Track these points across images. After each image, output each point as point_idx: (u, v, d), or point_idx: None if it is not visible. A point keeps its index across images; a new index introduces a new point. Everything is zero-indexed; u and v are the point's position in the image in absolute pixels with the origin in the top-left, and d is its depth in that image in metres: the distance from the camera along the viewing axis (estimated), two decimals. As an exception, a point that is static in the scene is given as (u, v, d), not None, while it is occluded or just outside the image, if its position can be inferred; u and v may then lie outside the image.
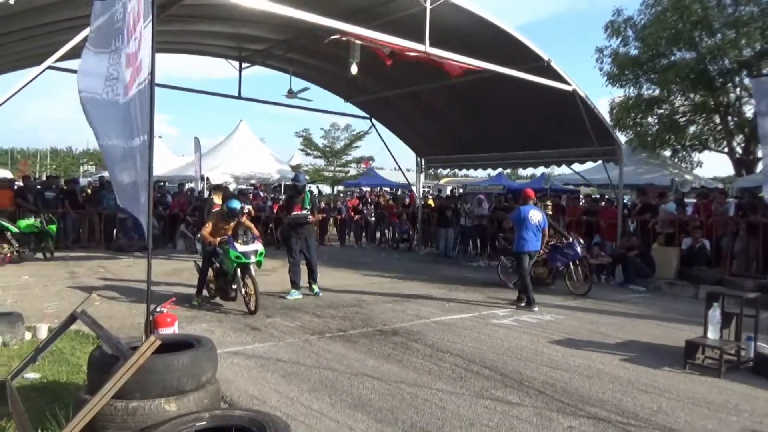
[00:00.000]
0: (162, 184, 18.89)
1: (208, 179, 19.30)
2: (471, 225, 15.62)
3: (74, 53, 7.88)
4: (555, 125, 13.05)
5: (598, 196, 19.64)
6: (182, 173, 22.31)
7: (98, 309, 7.09)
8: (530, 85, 10.73)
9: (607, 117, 16.73)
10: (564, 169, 18.13)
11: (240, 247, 7.62)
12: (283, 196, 20.32)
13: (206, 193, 16.37)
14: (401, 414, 4.21)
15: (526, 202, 8.88)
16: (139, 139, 4.26)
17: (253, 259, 7.63)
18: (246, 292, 7.66)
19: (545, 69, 11.07)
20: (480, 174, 23.37)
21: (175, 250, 14.34)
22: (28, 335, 5.80)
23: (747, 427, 4.17)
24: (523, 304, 8.58)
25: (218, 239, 7.95)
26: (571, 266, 9.82)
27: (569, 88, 11.41)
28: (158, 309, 5.26)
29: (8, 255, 11.29)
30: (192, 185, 18.74)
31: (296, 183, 9.42)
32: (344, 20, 8.38)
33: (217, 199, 14.14)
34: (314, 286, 9.12)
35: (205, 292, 8.30)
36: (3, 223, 11.38)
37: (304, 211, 9.00)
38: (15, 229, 11.52)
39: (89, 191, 16.95)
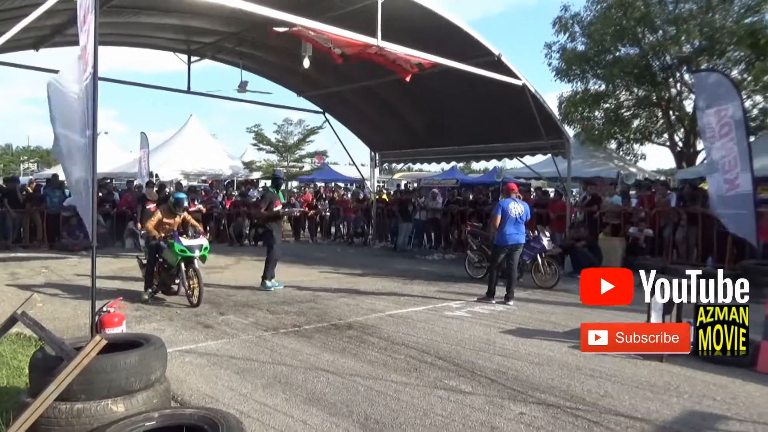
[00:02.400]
0: (109, 181, 18.25)
1: (157, 176, 18.79)
2: (425, 219, 15.77)
3: (11, 46, 7.56)
4: (506, 119, 13.30)
5: (548, 189, 20.12)
6: (130, 170, 21.62)
7: (41, 310, 6.82)
8: (482, 79, 10.88)
9: (556, 111, 17.14)
10: (515, 163, 18.51)
11: (185, 241, 7.72)
12: (237, 192, 20.04)
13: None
14: (356, 407, 4.22)
15: (508, 195, 8.71)
16: (87, 133, 4.15)
17: (197, 253, 7.73)
18: (189, 285, 7.75)
19: (496, 64, 11.24)
20: (434, 168, 23.57)
21: (123, 249, 13.92)
22: (-36, 340, 5.52)
23: (687, 408, 4.37)
24: (494, 301, 8.43)
25: (163, 234, 8.00)
26: (539, 259, 9.89)
27: (519, 83, 11.63)
28: (104, 309, 5.10)
29: (-58, 257, 10.72)
30: (139, 182, 18.21)
31: (279, 179, 10.02)
32: (295, 12, 8.27)
33: (151, 196, 13.83)
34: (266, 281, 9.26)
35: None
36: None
37: (296, 208, 9.53)
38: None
39: (30, 189, 16.24)
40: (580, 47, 20.64)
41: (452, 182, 24.65)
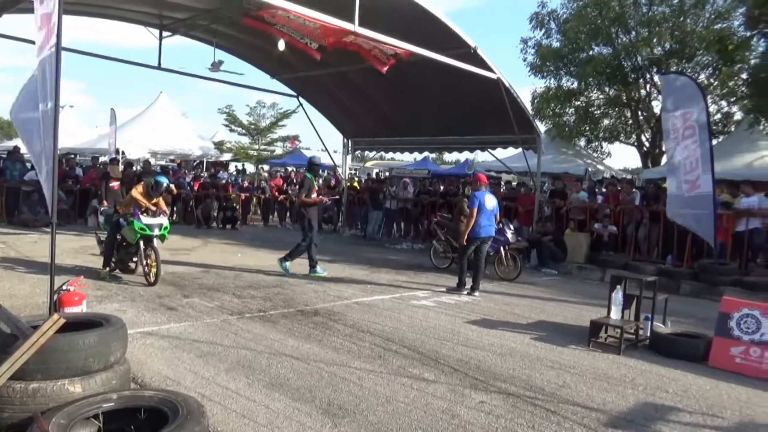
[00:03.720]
0: (72, 156, 17.75)
1: (123, 153, 18.37)
2: (396, 208, 15.81)
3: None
4: (479, 112, 13.38)
5: (516, 182, 20.37)
6: (96, 146, 21.12)
7: (-3, 287, 6.64)
8: (457, 71, 10.90)
9: (529, 106, 17.32)
10: (487, 156, 18.67)
11: (145, 219, 7.67)
12: (206, 173, 19.72)
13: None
14: (319, 392, 4.23)
15: (479, 188, 8.67)
16: (45, 105, 4.02)
17: (156, 231, 7.71)
18: (147, 263, 7.71)
19: (472, 56, 11.28)
20: (406, 158, 23.62)
21: (86, 227, 13.59)
22: None
23: (641, 399, 4.51)
24: (465, 291, 8.47)
25: (122, 210, 7.98)
26: (501, 251, 10.03)
27: (494, 77, 11.70)
28: (64, 287, 4.98)
29: None
30: (105, 159, 17.78)
31: (318, 165, 9.96)
32: (271, -7, 8.13)
33: (114, 173, 13.51)
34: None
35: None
36: None
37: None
38: None
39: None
40: (555, 44, 20.89)
41: (424, 172, 24.76)
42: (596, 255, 11.57)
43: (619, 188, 13.00)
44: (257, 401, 4.03)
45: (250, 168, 30.77)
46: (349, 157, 18.04)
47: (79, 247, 10.50)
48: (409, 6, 10.23)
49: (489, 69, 11.61)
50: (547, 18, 20.85)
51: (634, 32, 19.35)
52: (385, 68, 10.11)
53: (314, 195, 9.39)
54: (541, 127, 18.26)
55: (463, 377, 4.77)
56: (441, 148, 17.11)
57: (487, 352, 5.53)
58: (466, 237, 8.50)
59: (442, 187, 16.66)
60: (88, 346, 3.24)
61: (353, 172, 23.73)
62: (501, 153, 15.46)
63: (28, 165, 14.81)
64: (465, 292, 8.48)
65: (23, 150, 17.84)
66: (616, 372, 5.17)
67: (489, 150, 15.54)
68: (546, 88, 21.31)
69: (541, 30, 20.98)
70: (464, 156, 22.58)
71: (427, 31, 10.80)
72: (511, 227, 10.59)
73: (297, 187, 9.75)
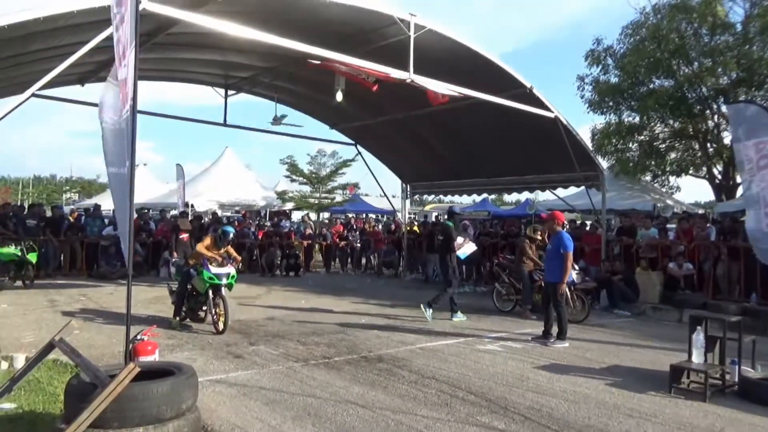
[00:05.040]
0: (146, 211, 18.72)
1: (192, 206, 19.19)
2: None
3: (58, 81, 7.91)
4: (538, 151, 13.24)
5: (581, 221, 19.82)
6: (166, 200, 22.18)
7: (78, 337, 6.96)
8: (514, 111, 10.89)
9: (588, 143, 16.98)
10: (548, 195, 18.32)
11: (213, 269, 7.94)
12: (268, 223, 20.27)
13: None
14: (386, 442, 4.15)
15: (556, 228, 8.17)
16: (126, 165, 4.27)
17: (224, 281, 7.97)
18: (216, 312, 7.94)
19: (528, 96, 11.26)
20: (465, 200, 23.55)
21: (158, 278, 14.16)
22: (4, 365, 5.66)
23: (732, 451, 4.16)
24: (552, 339, 7.83)
25: (192, 262, 8.31)
26: (567, 293, 9.68)
27: (551, 115, 11.60)
28: (139, 336, 5.17)
29: (-14, 283, 11.08)
30: (175, 212, 18.62)
31: (456, 214, 10.65)
32: (330, 48, 8.47)
33: (183, 225, 14.08)
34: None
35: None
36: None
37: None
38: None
39: (71, 219, 16.76)
40: (614, 79, 20.53)
41: (484, 214, 24.52)
42: (671, 294, 10.97)
43: (692, 223, 12.39)
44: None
45: (311, 216, 31.47)
46: (407, 202, 18.14)
47: (152, 298, 10.93)
48: (463, 51, 10.39)
49: (546, 108, 11.54)
50: (604, 54, 20.61)
51: (696, 63, 18.80)
52: (437, 102, 10.17)
53: (458, 241, 9.74)
54: (604, 163, 17.81)
55: (535, 426, 4.56)
56: (500, 189, 16.95)
57: (560, 399, 5.28)
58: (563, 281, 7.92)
59: (502, 229, 16.41)
60: (162, 394, 3.33)
61: (412, 216, 23.80)
62: (562, 191, 15.14)
63: (106, 221, 15.74)
64: (552, 339, 7.85)
65: (104, 207, 19.01)
66: (702, 421, 4.81)
67: (550, 189, 15.25)
68: (606, 124, 20.85)
69: (597, 67, 20.73)
70: (524, 196, 22.23)
71: (481, 74, 10.90)
72: (576, 267, 10.23)
73: (441, 237, 9.92)
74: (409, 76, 9.02)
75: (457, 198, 20.79)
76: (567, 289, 8.21)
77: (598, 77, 20.84)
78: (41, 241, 13.53)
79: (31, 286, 11.90)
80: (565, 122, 11.92)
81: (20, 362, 5.59)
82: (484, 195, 21.68)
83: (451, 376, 6.04)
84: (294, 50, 8.10)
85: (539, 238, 10.42)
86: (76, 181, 63.81)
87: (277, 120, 13.79)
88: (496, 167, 14.66)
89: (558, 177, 13.90)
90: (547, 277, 8.35)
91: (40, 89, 7.83)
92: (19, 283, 11.91)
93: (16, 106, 7.90)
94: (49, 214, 15.71)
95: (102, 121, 5.13)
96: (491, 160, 14.53)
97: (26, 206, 17.20)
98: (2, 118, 7.78)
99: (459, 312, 9.58)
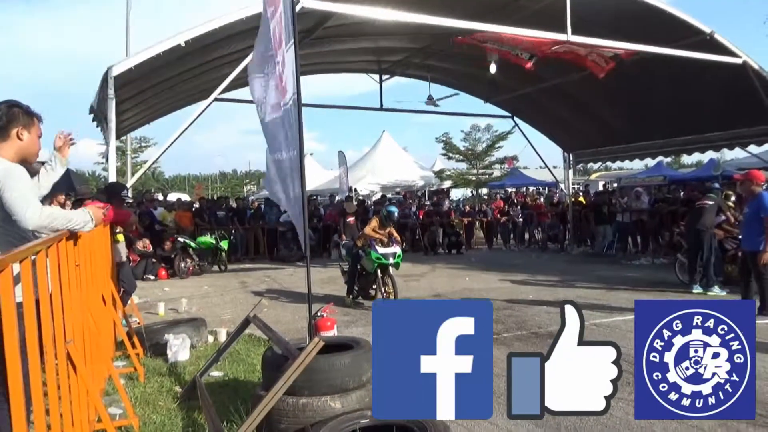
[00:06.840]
0: (315, 197, 20.07)
1: (356, 190, 20.15)
2: (629, 221, 14.56)
3: (235, 85, 8.75)
4: (722, 104, 11.75)
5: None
6: (332, 186, 23.59)
7: (267, 314, 7.71)
8: (689, 62, 9.77)
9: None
10: (737, 153, 16.21)
11: (380, 249, 8.29)
12: (428, 202, 20.61)
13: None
14: (564, 421, 4.02)
15: (754, 189, 7.26)
16: (285, 153, 4.53)
17: (391, 260, 8.26)
18: (385, 290, 8.26)
19: (707, 43, 10.02)
20: (636, 165, 21.72)
21: (330, 259, 15.13)
22: (210, 338, 6.47)
23: None
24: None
25: (360, 243, 8.70)
26: None
27: (739, 61, 10.22)
28: (319, 313, 5.58)
29: (191, 268, 12.73)
30: (340, 197, 19.71)
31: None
32: (480, 20, 8.30)
33: (349, 209, 14.78)
34: None
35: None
36: (186, 240, 12.89)
37: None
38: (195, 246, 13.01)
39: (252, 208, 18.57)
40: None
41: (659, 179, 22.41)
42: None
43: None
44: (500, 426, 3.98)
45: (468, 193, 31.31)
46: (570, 172, 17.24)
47: (326, 278, 11.71)
48: (625, 3, 9.53)
49: (731, 53, 10.19)
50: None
51: None
52: (603, 74, 9.51)
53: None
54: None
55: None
56: (677, 151, 15.42)
57: (763, 381, 4.68)
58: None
59: (682, 194, 14.89)
60: (344, 366, 3.55)
61: (577, 186, 22.58)
62: (755, 149, 13.25)
63: (282, 209, 17.16)
64: None
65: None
66: None
67: (740, 146, 13.48)
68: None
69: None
70: (706, 156, 19.86)
71: (648, 25, 9.93)
72: None
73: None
74: (566, 38, 8.51)
75: (627, 164, 19.16)
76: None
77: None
78: (230, 230, 15.22)
79: (225, 270, 13.45)
80: (756, 67, 10.43)
81: (222, 336, 6.36)
82: (659, 158, 19.88)
83: (630, 353, 5.64)
84: (443, 27, 8.06)
85: (731, 205, 9.31)
86: (254, 174, 70.29)
87: (432, 100, 13.89)
88: (671, 127, 13.31)
89: (749, 131, 12.23)
90: (744, 245, 7.44)
91: (220, 93, 8.73)
92: (215, 267, 13.53)
93: (203, 111, 8.90)
94: (234, 205, 17.58)
95: (259, 114, 5.42)
96: (664, 120, 13.21)
97: (215, 199, 19.41)
98: (192, 122, 8.84)
99: (716, 286, 8.72)
